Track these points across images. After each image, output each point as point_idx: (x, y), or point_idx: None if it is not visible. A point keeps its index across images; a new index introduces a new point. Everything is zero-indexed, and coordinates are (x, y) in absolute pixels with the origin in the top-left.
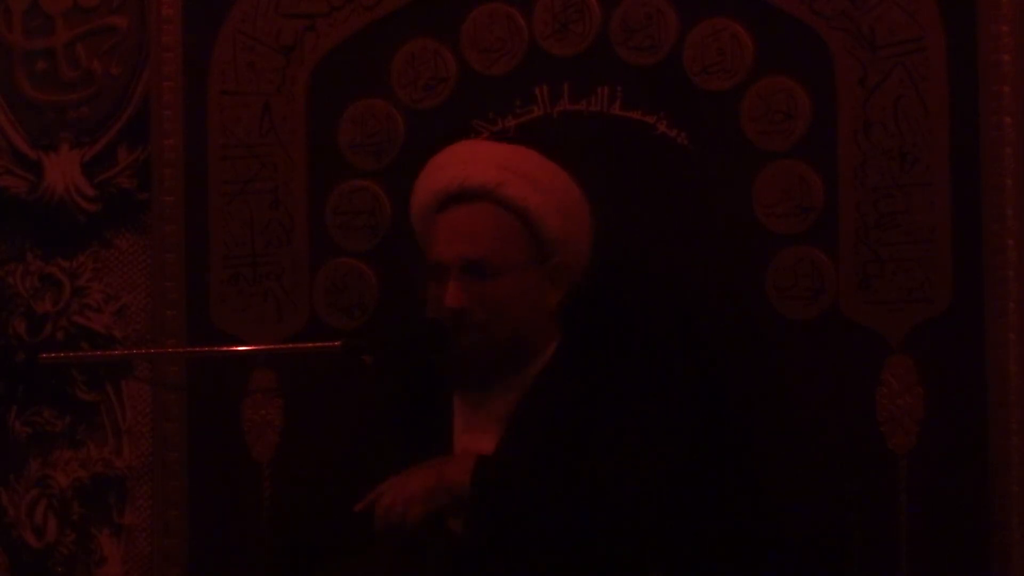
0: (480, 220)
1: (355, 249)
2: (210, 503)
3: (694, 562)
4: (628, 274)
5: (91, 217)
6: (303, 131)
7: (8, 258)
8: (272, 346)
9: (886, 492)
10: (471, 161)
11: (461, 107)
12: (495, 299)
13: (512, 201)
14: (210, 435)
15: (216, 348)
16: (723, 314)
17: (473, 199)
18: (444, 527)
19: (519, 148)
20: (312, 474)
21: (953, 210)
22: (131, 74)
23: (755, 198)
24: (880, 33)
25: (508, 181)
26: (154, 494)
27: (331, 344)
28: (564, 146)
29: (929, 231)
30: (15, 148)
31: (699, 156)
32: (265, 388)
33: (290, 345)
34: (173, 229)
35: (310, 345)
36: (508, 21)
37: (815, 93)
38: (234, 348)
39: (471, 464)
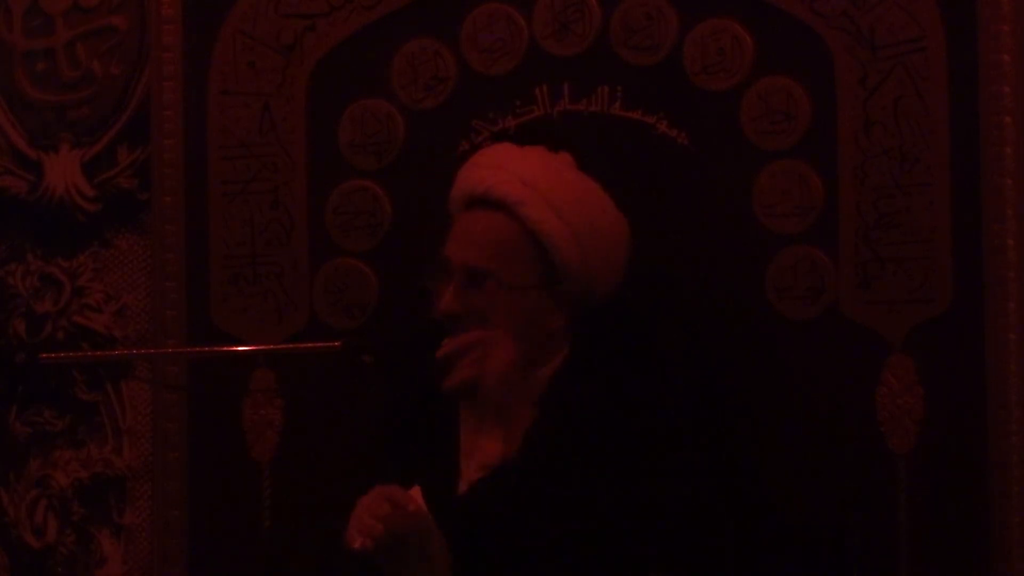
0: (493, 231)
1: (355, 249)
2: (210, 503)
3: (694, 562)
4: (632, 278)
5: (91, 217)
6: (303, 131)
7: (8, 258)
8: (272, 346)
9: (886, 492)
10: (503, 168)
11: (461, 107)
12: (489, 312)
13: (529, 222)
14: (210, 435)
15: (216, 348)
16: (723, 314)
17: (494, 207)
18: None
19: (555, 163)
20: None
21: (953, 210)
22: (131, 74)
23: (755, 198)
24: (880, 33)
25: (530, 201)
26: (154, 494)
27: (331, 344)
28: (564, 146)
29: (929, 231)
30: (15, 148)
31: (699, 156)
32: (265, 388)
33: (290, 345)
34: (173, 229)
35: (310, 345)
36: (508, 21)
37: (815, 93)
38: (234, 348)
39: None
